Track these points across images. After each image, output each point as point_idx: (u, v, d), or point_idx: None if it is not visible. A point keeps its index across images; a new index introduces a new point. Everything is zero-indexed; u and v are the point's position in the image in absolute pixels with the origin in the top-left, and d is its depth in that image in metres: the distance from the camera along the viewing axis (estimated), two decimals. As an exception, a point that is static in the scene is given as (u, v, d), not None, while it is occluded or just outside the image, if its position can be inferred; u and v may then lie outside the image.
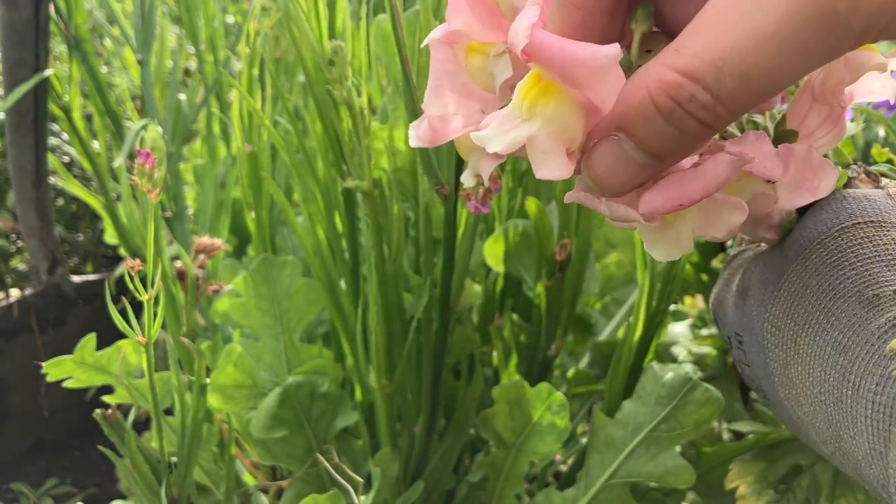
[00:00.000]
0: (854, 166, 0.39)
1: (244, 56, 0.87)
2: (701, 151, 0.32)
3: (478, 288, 0.79)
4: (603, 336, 0.88)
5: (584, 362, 0.87)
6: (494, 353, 0.76)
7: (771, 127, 0.36)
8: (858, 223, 0.35)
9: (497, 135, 0.28)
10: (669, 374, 0.58)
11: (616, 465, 0.59)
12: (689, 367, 0.58)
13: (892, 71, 0.34)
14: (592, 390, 0.80)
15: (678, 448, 0.58)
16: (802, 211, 0.37)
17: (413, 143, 0.35)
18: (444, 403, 0.72)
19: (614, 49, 0.25)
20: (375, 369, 0.64)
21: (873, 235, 0.35)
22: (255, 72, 0.89)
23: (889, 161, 0.59)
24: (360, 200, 0.68)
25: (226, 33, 1.07)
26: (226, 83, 1.06)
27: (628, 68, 0.29)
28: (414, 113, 0.54)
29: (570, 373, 0.83)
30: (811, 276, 0.35)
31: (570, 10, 0.29)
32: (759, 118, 0.36)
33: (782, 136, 0.36)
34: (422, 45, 0.34)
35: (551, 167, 0.27)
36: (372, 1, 0.62)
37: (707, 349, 0.83)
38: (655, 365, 0.59)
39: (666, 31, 0.30)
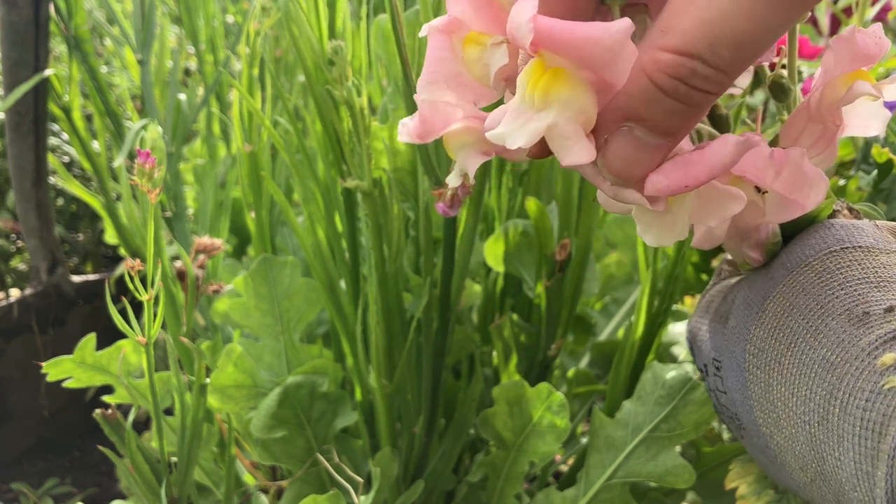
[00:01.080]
0: (838, 201, 0.39)
1: (244, 56, 0.87)
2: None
3: (478, 288, 0.79)
4: (603, 336, 0.88)
5: (584, 362, 0.87)
6: (494, 353, 0.76)
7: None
8: (847, 248, 0.35)
9: (514, 129, 0.27)
10: (669, 374, 0.58)
11: (616, 465, 0.59)
12: (689, 367, 0.58)
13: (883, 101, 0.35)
14: (592, 390, 0.80)
15: (678, 448, 0.58)
16: (788, 239, 0.38)
17: (403, 139, 0.35)
18: (444, 403, 0.72)
19: (626, 24, 0.25)
20: (375, 369, 0.64)
21: (862, 259, 0.35)
22: (255, 72, 0.89)
23: (889, 161, 0.59)
24: (360, 200, 0.68)
25: (226, 33, 1.07)
26: (226, 83, 1.06)
27: None
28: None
29: (570, 373, 0.82)
30: (798, 295, 0.35)
31: None
32: (752, 123, 0.36)
33: None
34: (420, 34, 0.34)
35: (576, 152, 0.27)
36: (372, 1, 0.62)
37: (707, 349, 0.83)
38: (656, 365, 0.59)
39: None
